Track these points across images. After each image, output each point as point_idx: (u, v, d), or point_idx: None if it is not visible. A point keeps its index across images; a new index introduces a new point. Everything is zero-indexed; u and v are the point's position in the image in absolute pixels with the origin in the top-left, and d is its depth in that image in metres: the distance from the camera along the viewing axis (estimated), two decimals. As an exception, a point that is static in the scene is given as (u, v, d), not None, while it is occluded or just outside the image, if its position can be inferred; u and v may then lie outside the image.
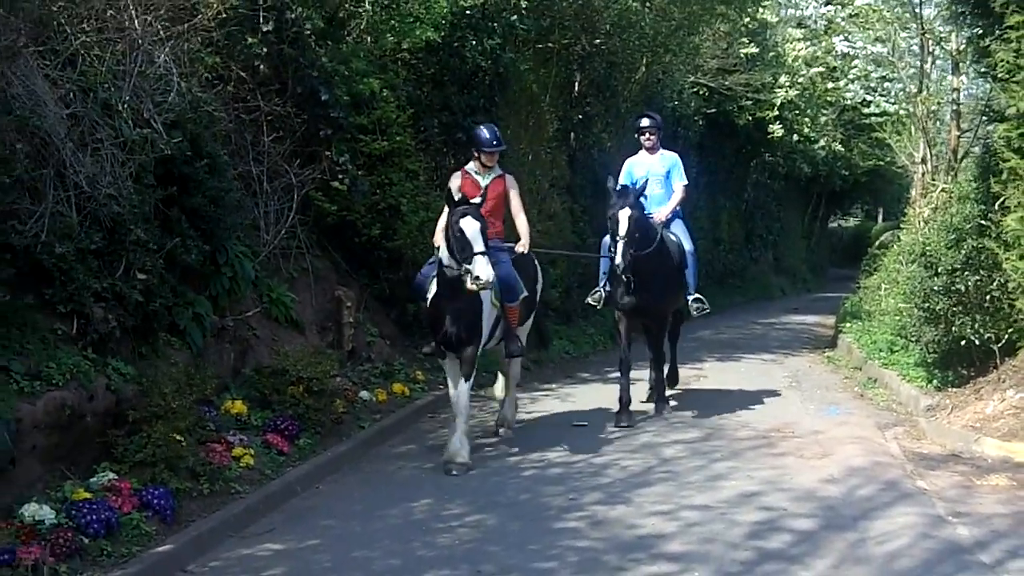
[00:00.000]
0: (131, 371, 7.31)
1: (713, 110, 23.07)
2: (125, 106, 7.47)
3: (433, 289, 8.64)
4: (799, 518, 7.11)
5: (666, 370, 11.42)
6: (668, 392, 11.32)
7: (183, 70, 8.19)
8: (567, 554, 6.40)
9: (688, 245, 10.85)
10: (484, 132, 9.35)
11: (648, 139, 11.02)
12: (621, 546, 6.54)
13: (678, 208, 11.03)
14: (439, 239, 8.68)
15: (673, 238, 10.75)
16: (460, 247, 8.12)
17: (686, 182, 11.07)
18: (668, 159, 11.06)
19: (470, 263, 8.04)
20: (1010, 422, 9.51)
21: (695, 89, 22.17)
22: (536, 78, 15.48)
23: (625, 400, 10.33)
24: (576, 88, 17.42)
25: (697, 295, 10.81)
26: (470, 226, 8.15)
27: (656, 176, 10.76)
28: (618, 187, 10.19)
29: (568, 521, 7.11)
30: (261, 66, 9.77)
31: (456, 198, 8.46)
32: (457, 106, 13.25)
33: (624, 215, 9.72)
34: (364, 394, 10.50)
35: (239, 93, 10.09)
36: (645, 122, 11.16)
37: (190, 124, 8.24)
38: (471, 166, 9.41)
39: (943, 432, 9.77)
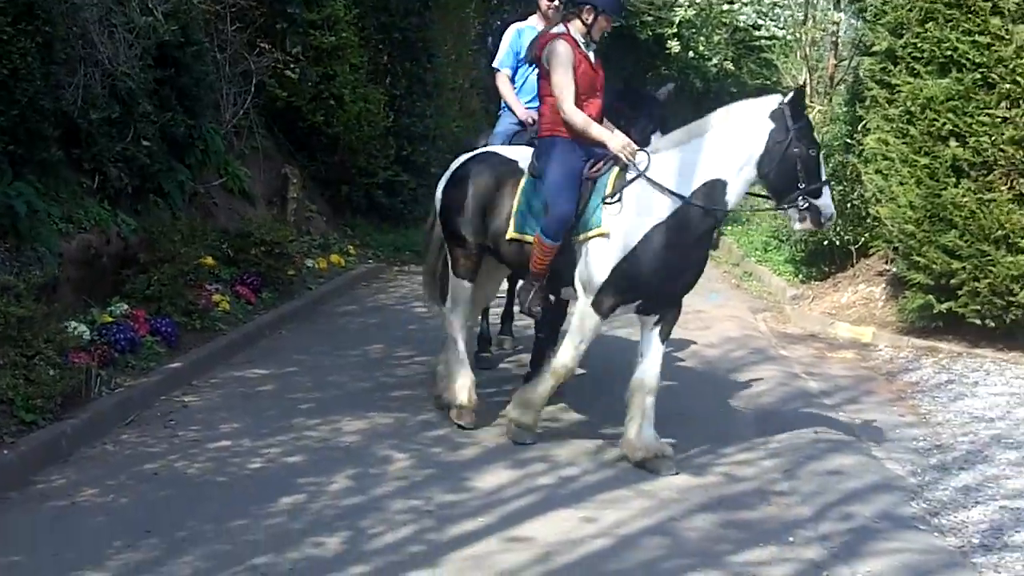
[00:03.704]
0: (133, 222, 8.64)
1: (617, 24, 24.45)
2: (135, -4, 8.65)
3: (639, 227, 6.04)
4: (684, 367, 8.87)
5: None
6: None
7: (178, -35, 9.36)
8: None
9: None
10: None
11: (553, 5, 7.72)
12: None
13: None
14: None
15: None
16: (806, 170, 5.89)
17: None
18: None
19: (816, 197, 5.95)
20: (860, 310, 11.46)
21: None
22: (463, -16, 16.76)
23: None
24: (496, -6, 18.72)
25: None
26: None
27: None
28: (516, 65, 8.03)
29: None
30: (237, -36, 10.94)
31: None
32: (395, 8, 14.53)
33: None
34: (308, 262, 11.90)
35: (210, -15, 11.26)
36: None
37: (182, 15, 9.44)
38: (575, 33, 6.43)
39: (804, 317, 11.66)
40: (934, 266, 9.64)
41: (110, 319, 7.67)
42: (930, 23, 9.97)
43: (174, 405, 7.04)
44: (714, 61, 28.70)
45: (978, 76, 9.60)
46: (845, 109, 13.14)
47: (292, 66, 12.24)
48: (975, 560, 5.19)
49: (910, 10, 10.20)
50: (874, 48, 10.89)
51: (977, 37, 9.64)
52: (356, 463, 6.06)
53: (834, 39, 15.90)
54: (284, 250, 10.36)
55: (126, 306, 7.99)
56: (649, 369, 6.27)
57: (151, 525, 5.09)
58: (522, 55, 7.89)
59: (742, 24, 25.22)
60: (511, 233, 6.46)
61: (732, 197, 6.03)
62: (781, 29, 22.00)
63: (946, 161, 9.68)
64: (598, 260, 6.11)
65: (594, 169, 6.26)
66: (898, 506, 5.81)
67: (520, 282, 6.90)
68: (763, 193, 6.33)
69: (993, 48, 9.57)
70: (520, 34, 8.06)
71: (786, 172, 5.90)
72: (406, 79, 15.11)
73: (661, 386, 6.32)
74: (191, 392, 7.37)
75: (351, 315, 10.56)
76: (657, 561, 4.99)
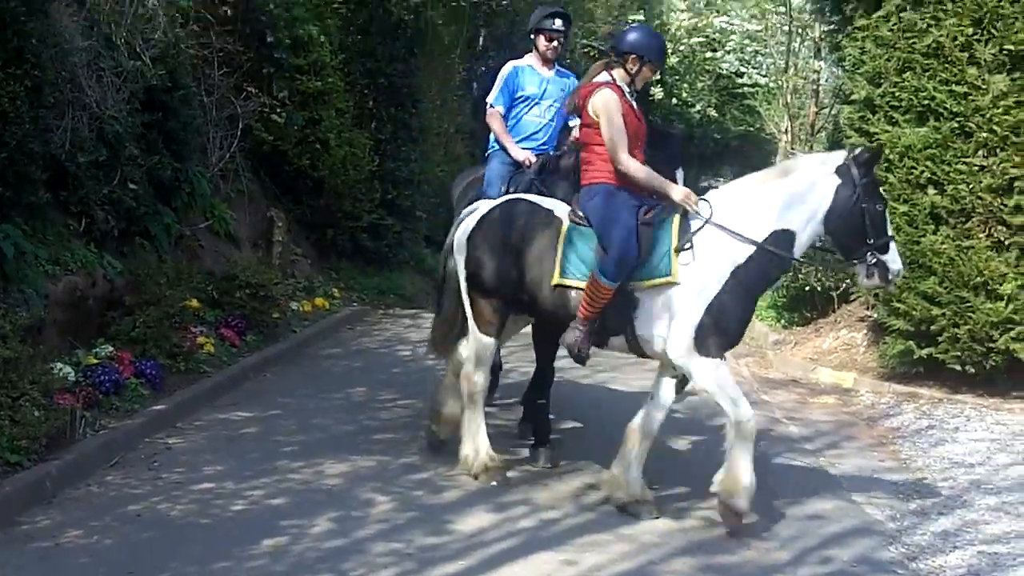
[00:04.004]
0: (119, 265, 8.68)
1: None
2: (123, 41, 8.74)
3: (719, 274, 5.95)
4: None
5: None
6: None
7: (166, 11, 9.47)
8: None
9: None
10: (652, 37, 6.59)
11: (552, 46, 7.83)
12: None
13: None
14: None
15: None
16: (873, 225, 5.94)
17: None
18: (569, 81, 7.95)
19: (884, 252, 6.01)
20: (842, 356, 11.56)
21: (587, 50, 23.82)
22: (448, 32, 16.98)
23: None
24: (481, 42, 18.96)
25: None
26: None
27: (550, 99, 7.86)
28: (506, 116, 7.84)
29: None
30: (226, 10, 11.06)
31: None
32: (381, 54, 14.72)
33: None
34: (293, 304, 11.95)
35: (197, 31, 11.35)
36: (557, 23, 7.84)
37: (170, 59, 9.55)
38: (619, 80, 6.36)
39: (786, 362, 11.75)
40: (914, 312, 9.74)
41: (95, 361, 7.69)
42: (908, 72, 10.14)
43: (158, 447, 7.05)
44: (697, 107, 29.06)
45: (955, 125, 9.75)
46: (825, 156, 13.28)
47: (278, 110, 12.37)
48: (952, 604, 5.24)
49: (888, 60, 10.37)
50: (853, 97, 11.05)
51: (954, 87, 9.81)
52: (338, 506, 6.07)
53: (815, 87, 16.14)
54: (269, 293, 10.40)
55: (111, 348, 8.01)
56: (655, 414, 6.26)
57: (134, 567, 5.10)
58: (518, 93, 7.80)
59: (725, 71, 25.62)
60: (557, 279, 6.23)
61: (798, 249, 6.06)
62: (763, 77, 22.34)
63: (925, 208, 9.81)
64: (682, 307, 5.95)
65: (647, 215, 6.14)
66: (876, 550, 5.85)
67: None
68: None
69: (970, 97, 9.73)
70: (518, 72, 7.87)
71: (853, 227, 5.95)
72: (391, 124, 15.26)
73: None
74: (175, 434, 7.38)
75: (335, 358, 10.59)
76: (637, 604, 5.01)
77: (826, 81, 16.21)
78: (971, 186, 9.54)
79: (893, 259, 6.02)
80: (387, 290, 14.60)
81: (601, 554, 5.57)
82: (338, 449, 7.17)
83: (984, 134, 9.60)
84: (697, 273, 5.95)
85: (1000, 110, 9.56)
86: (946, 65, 9.90)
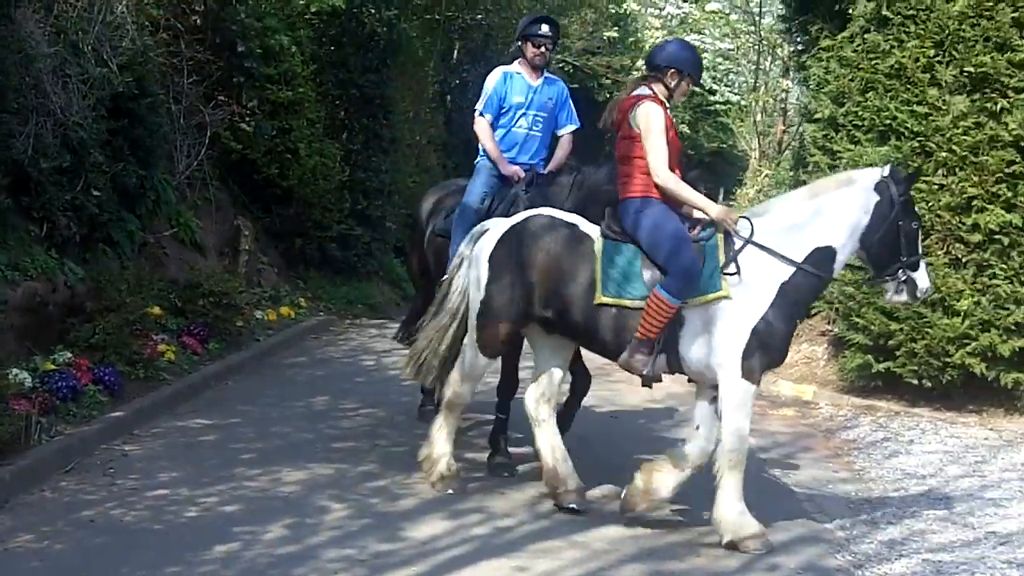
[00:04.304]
0: (80, 271, 8.68)
1: (576, 86, 24.95)
2: (90, 48, 8.76)
3: (766, 292, 5.93)
4: (628, 423, 8.98)
5: None
6: None
7: (134, 19, 9.49)
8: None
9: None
10: (691, 51, 6.54)
11: (540, 53, 7.63)
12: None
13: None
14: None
15: None
16: (907, 243, 6.03)
17: (578, 125, 7.92)
18: (557, 87, 7.80)
19: (914, 270, 6.09)
20: (802, 369, 11.66)
21: (561, 66, 23.95)
22: (422, 45, 17.06)
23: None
24: (455, 56, 19.05)
25: None
26: None
27: (540, 108, 7.66)
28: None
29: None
30: (196, 19, 11.09)
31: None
32: (353, 65, 14.80)
33: None
34: (258, 313, 11.95)
35: (167, 39, 11.38)
36: (544, 29, 7.63)
37: (138, 67, 9.56)
38: (659, 94, 6.29)
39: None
40: (873, 327, 9.85)
41: (53, 367, 7.68)
42: (871, 93, 10.29)
43: (115, 454, 7.04)
44: (670, 124, 29.16)
45: (916, 144, 9.88)
46: (791, 174, 13.45)
47: (248, 119, 12.39)
48: (896, 612, 5.31)
49: (851, 80, 10.52)
50: (817, 116, 11.19)
51: (915, 107, 9.95)
52: (293, 513, 6.08)
53: (783, 106, 16.30)
54: (233, 301, 10.42)
55: (70, 354, 8.00)
56: (696, 445, 6.21)
57: (86, 571, 5.11)
58: (506, 102, 7.56)
59: (698, 89, 25.74)
60: (601, 298, 6.00)
61: (838, 267, 6.10)
62: (735, 95, 22.52)
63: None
64: (729, 325, 5.88)
65: (693, 232, 6.05)
66: (823, 558, 5.91)
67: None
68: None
69: (931, 118, 9.87)
70: (508, 78, 7.59)
71: (889, 244, 5.98)
72: (363, 134, 15.33)
73: (599, 438, 6.41)
74: (132, 441, 7.38)
75: (299, 367, 10.60)
76: (585, 610, 5.06)
77: (795, 100, 16.37)
78: (930, 204, 9.66)
79: (922, 277, 6.06)
80: (355, 300, 14.64)
81: (553, 560, 5.60)
82: (296, 457, 7.18)
83: (944, 154, 9.73)
84: (745, 291, 5.89)
85: (960, 130, 9.71)
86: (908, 86, 10.05)
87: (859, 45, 10.57)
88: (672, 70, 6.26)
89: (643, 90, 6.27)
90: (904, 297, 6.11)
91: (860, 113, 10.35)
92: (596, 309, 6.04)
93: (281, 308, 12.61)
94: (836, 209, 5.98)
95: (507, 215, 6.93)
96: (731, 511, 5.93)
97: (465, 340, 6.53)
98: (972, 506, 7.04)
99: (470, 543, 5.79)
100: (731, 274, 5.89)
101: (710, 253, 5.96)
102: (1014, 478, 7.79)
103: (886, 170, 6.10)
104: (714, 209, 6.10)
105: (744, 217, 6.11)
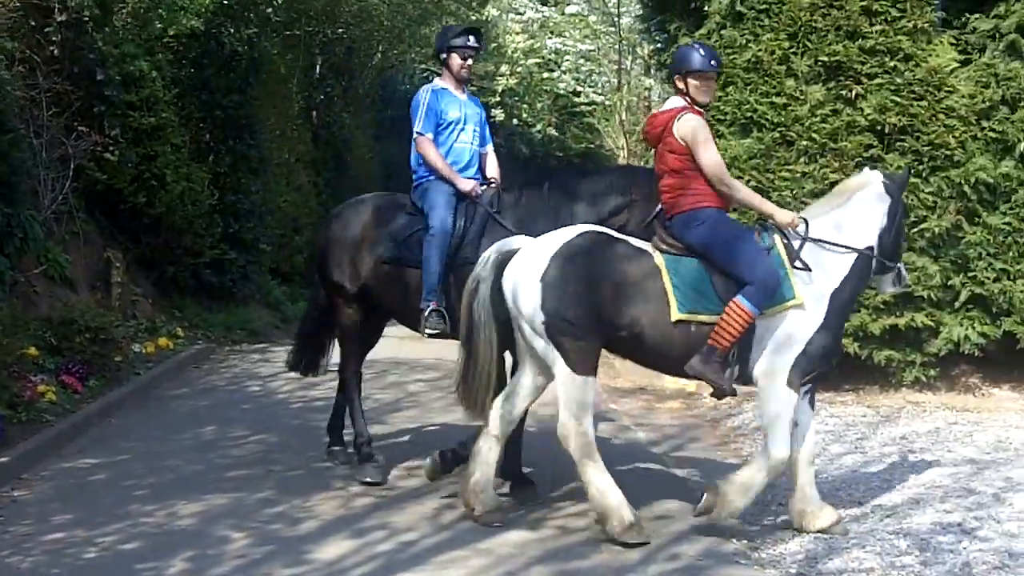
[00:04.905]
0: (-52, 316, 8.42)
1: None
2: (-57, 85, 8.48)
3: (827, 290, 6.09)
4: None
5: None
6: None
7: (-10, 54, 9.23)
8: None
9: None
10: (688, 49, 6.54)
11: (467, 66, 7.42)
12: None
13: None
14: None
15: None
16: (903, 240, 6.71)
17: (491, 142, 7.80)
18: (477, 103, 7.70)
19: (899, 261, 6.56)
20: (683, 361, 11.89)
21: (426, 75, 24.01)
22: (284, 62, 16.94)
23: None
24: (318, 71, 18.94)
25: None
26: None
27: (476, 123, 7.50)
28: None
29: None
30: (53, 50, 10.81)
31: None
32: (216, 87, 14.59)
33: None
34: (136, 346, 11.71)
35: (23, 72, 11.07)
36: (471, 40, 7.42)
37: (-3, 103, 9.32)
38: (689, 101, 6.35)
39: (633, 370, 11.99)
40: (749, 315, 10.13)
41: (-72, 417, 7.44)
42: (730, 87, 10.60)
43: (3, 500, 6.83)
44: (538, 127, 29.51)
45: (777, 135, 10.25)
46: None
47: (111, 148, 12.10)
48: (793, 588, 5.49)
49: (711, 75, 10.80)
50: (681, 112, 11.44)
51: (774, 99, 10.31)
52: (194, 545, 6.00)
53: (647, 103, 16.63)
54: (110, 336, 10.21)
55: (-55, 402, 7.77)
56: (809, 439, 6.35)
57: (-18, 624, 4.98)
58: (444, 117, 7.26)
59: (562, 91, 26.08)
60: (677, 315, 5.91)
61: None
62: (599, 95, 22.88)
63: (753, 216, 10.21)
64: (796, 332, 5.97)
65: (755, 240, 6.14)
66: (721, 544, 6.09)
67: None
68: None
69: (789, 108, 10.24)
70: (439, 95, 7.30)
71: (895, 240, 6.33)
72: (230, 156, 15.12)
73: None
74: (21, 486, 7.16)
75: (182, 398, 10.44)
76: (496, 616, 5.12)
77: (658, 97, 16.72)
78: (795, 192, 10.01)
79: (902, 266, 6.49)
80: (234, 326, 14.44)
81: (460, 569, 5.66)
82: (190, 489, 7.08)
83: (804, 142, 10.11)
84: (812, 292, 6.00)
85: (818, 119, 10.12)
86: (765, 78, 10.40)
87: (716, 41, 10.87)
88: (676, 76, 6.40)
89: (677, 102, 6.33)
90: (899, 287, 6.54)
91: (722, 107, 10.65)
92: (671, 327, 5.95)
93: (159, 339, 12.35)
94: (867, 211, 6.21)
95: (481, 235, 6.87)
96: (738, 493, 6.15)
97: (555, 379, 6.18)
98: (857, 481, 7.34)
99: (376, 560, 5.80)
100: (801, 269, 6.00)
101: (777, 261, 6.04)
102: (894, 452, 8.14)
103: (888, 173, 6.53)
104: (780, 215, 6.23)
105: (802, 217, 6.26)
